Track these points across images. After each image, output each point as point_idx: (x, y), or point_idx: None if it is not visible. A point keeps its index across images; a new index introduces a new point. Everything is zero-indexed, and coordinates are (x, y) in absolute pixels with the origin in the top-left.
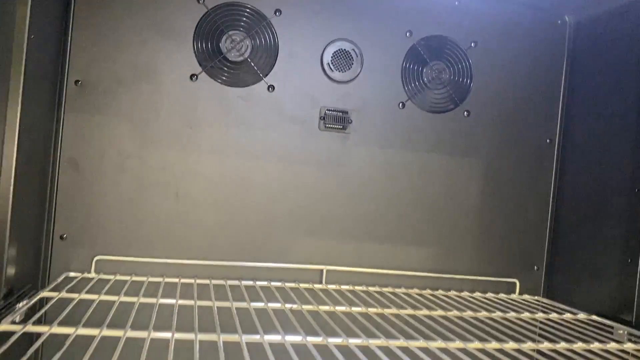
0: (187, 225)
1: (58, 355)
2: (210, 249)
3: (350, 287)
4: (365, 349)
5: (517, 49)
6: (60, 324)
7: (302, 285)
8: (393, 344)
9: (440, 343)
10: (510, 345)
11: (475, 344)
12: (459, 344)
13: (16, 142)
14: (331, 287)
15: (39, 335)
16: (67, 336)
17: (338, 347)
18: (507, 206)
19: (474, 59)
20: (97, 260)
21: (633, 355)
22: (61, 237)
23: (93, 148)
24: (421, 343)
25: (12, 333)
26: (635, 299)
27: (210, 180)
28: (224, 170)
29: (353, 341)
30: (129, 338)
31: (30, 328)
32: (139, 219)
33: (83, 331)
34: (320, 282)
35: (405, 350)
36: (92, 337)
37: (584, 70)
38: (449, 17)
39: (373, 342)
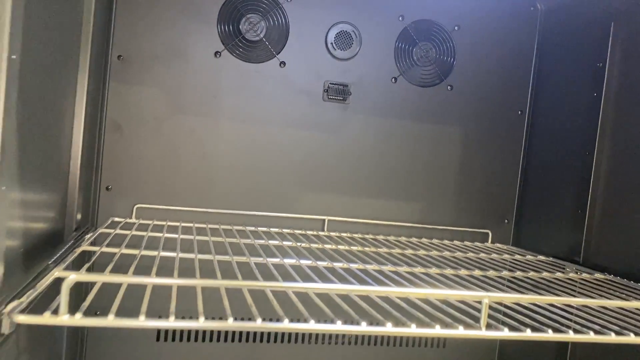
0: (211, 180)
1: (133, 266)
2: (231, 200)
3: (349, 235)
4: (363, 271)
5: (495, 31)
6: (127, 247)
7: (309, 232)
8: (385, 268)
9: (421, 269)
10: (478, 272)
11: (450, 271)
12: (436, 270)
13: (84, 109)
14: (333, 234)
15: (113, 254)
16: (132, 257)
17: (342, 269)
18: (483, 168)
19: (457, 40)
20: (137, 208)
21: (572, 280)
22: (107, 188)
23: (133, 113)
24: (406, 269)
25: (92, 253)
26: (583, 243)
27: (230, 142)
28: (242, 134)
29: (354, 265)
30: (182, 258)
31: (105, 249)
32: (172, 173)
33: (145, 252)
34: (323, 230)
35: (395, 272)
36: (153, 257)
37: (552, 51)
38: (436, 3)
39: (369, 267)
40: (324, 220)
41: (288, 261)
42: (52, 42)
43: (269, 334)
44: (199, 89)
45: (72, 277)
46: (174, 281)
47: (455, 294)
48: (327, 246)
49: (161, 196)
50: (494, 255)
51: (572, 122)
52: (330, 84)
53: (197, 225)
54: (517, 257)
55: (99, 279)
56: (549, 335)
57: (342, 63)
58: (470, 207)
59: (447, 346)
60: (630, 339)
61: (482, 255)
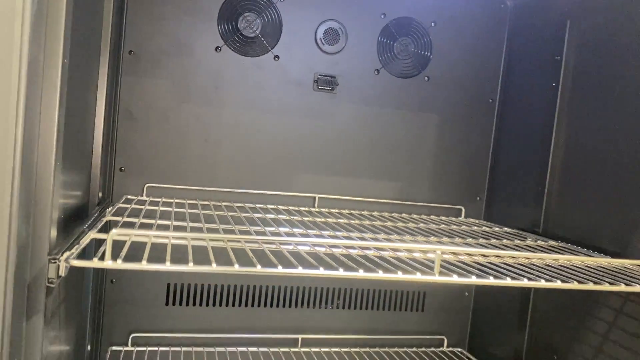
0: (214, 161)
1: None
2: (231, 180)
3: (337, 210)
4: (347, 237)
5: (468, 27)
6: (144, 218)
7: (301, 208)
8: (367, 236)
9: (397, 237)
10: (446, 239)
11: (422, 238)
12: (410, 237)
13: (104, 100)
14: (323, 209)
15: (134, 223)
16: (150, 226)
17: (329, 236)
18: (457, 150)
19: (433, 35)
20: (147, 187)
21: (529, 246)
22: (120, 169)
23: (143, 102)
24: (384, 236)
25: (117, 222)
26: (542, 216)
27: (231, 127)
28: (241, 120)
29: (339, 233)
30: (192, 227)
31: (127, 219)
32: (178, 156)
33: (161, 222)
34: (314, 206)
35: (374, 239)
36: (168, 226)
37: (519, 45)
38: (415, 1)
39: (352, 234)
40: (314, 197)
41: (283, 229)
42: (84, 43)
43: (265, 299)
44: (202, 81)
45: (114, 232)
46: (189, 234)
47: (413, 246)
48: (317, 219)
49: (169, 176)
50: (464, 227)
51: (535, 109)
52: (319, 75)
53: (201, 202)
54: (485, 228)
55: (131, 232)
56: (490, 280)
57: (330, 57)
58: (445, 186)
59: (426, 310)
60: (544, 284)
61: (453, 227)
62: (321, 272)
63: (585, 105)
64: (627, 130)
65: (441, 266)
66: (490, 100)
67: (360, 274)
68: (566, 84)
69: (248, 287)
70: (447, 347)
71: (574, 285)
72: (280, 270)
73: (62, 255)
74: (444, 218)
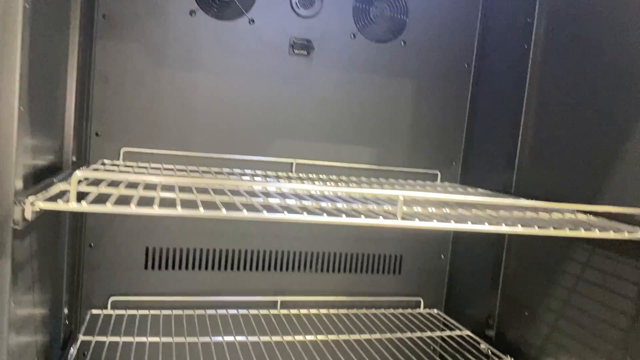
0: (190, 127)
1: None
2: (208, 145)
3: (314, 175)
4: (321, 192)
5: None
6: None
7: (279, 172)
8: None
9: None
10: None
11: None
12: (378, 186)
13: (75, 63)
14: (301, 175)
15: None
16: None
17: (305, 193)
18: (433, 115)
19: (409, 0)
20: (124, 152)
21: (498, 206)
22: (96, 134)
23: (118, 67)
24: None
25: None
26: (514, 177)
27: (207, 92)
28: (217, 85)
29: (311, 188)
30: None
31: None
32: (155, 121)
33: (133, 177)
34: (291, 171)
35: (348, 195)
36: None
37: (494, 9)
38: None
39: (326, 189)
40: (292, 163)
41: (258, 188)
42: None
43: (244, 262)
44: (177, 45)
45: (79, 173)
46: (160, 178)
47: (379, 192)
48: (294, 182)
49: (146, 141)
50: (438, 189)
51: (508, 73)
52: (295, 39)
53: (178, 167)
54: (459, 189)
55: (98, 175)
56: (451, 225)
57: (305, 21)
58: (421, 151)
59: (403, 273)
60: (507, 229)
61: (427, 189)
62: (286, 216)
63: (556, 68)
64: (595, 93)
65: (408, 217)
66: (466, 65)
67: (324, 218)
68: (537, 46)
69: (227, 250)
70: (424, 308)
71: (536, 231)
72: (265, 215)
73: (27, 198)
74: (421, 182)
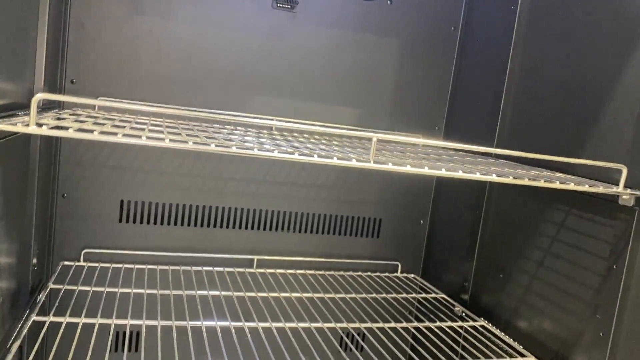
0: (167, 79)
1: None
2: (184, 99)
3: (296, 135)
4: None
5: None
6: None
7: (262, 130)
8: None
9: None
10: (397, 154)
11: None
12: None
13: (48, 7)
14: (284, 133)
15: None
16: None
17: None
18: (417, 79)
19: None
20: (99, 99)
21: (475, 154)
22: (72, 82)
23: (95, 13)
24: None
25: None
26: (495, 141)
27: (186, 44)
28: (196, 37)
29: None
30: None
31: (67, 116)
32: (131, 71)
33: (106, 120)
34: (271, 130)
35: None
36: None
37: None
38: None
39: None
40: (272, 119)
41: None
42: None
43: (221, 219)
44: None
45: (39, 95)
46: (132, 106)
47: (352, 133)
48: (275, 136)
49: (122, 91)
50: (421, 147)
51: (494, 35)
52: None
53: (153, 120)
54: (440, 151)
55: (63, 99)
56: (425, 170)
57: None
58: (404, 114)
59: (381, 236)
60: (496, 179)
61: (409, 148)
62: (255, 152)
63: (542, 28)
64: (579, 54)
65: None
66: (453, 28)
67: (296, 157)
68: (524, 5)
69: (204, 207)
70: (401, 272)
71: (515, 181)
72: (256, 152)
73: None
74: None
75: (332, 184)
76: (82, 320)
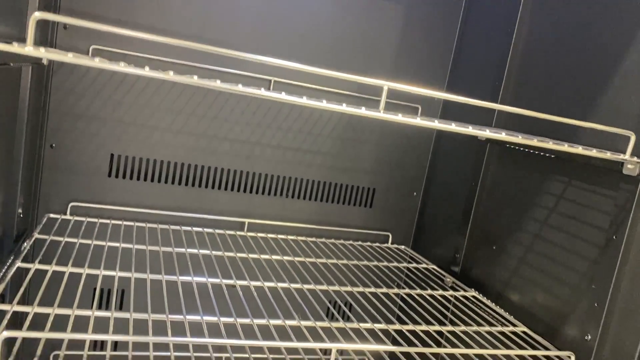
0: (164, 33)
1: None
2: (180, 53)
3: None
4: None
5: None
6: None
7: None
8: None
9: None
10: None
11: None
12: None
13: None
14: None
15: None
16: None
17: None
18: (418, 49)
19: None
20: (92, 49)
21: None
22: (64, 27)
23: None
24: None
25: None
26: (500, 93)
27: (185, 2)
28: None
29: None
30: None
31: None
32: (127, 19)
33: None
34: (269, 89)
35: None
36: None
37: None
38: None
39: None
40: (270, 80)
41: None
42: None
43: (213, 180)
44: None
45: (37, 14)
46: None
47: (361, 79)
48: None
49: (116, 40)
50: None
51: (499, 7)
52: None
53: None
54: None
55: (62, 19)
56: (434, 124)
57: None
58: (404, 84)
59: (374, 207)
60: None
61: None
62: (262, 92)
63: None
64: (587, 22)
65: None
66: None
67: (304, 100)
68: None
69: (196, 166)
70: (392, 243)
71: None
72: (248, 89)
73: None
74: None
75: (328, 151)
76: (69, 269)
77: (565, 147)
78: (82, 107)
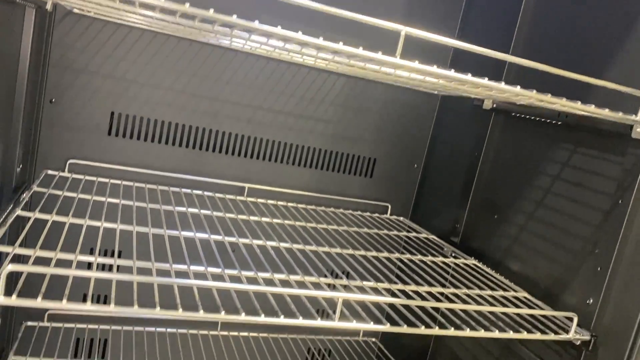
0: None
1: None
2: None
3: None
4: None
5: None
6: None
7: None
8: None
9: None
10: None
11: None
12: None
13: None
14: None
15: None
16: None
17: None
18: (424, 20)
19: None
20: None
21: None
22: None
23: None
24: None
25: None
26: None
27: None
28: None
29: None
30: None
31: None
32: None
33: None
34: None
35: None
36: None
37: None
38: None
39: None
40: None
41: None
42: None
43: (214, 143)
44: None
45: None
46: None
47: (375, 22)
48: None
49: None
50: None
51: None
52: None
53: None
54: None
55: None
56: (451, 73)
57: None
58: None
59: (374, 177)
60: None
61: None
62: (279, 29)
63: None
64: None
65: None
66: None
67: (320, 41)
68: None
69: (197, 128)
70: (391, 214)
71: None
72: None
73: None
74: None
75: (330, 119)
76: (70, 219)
77: (578, 105)
78: (83, 62)
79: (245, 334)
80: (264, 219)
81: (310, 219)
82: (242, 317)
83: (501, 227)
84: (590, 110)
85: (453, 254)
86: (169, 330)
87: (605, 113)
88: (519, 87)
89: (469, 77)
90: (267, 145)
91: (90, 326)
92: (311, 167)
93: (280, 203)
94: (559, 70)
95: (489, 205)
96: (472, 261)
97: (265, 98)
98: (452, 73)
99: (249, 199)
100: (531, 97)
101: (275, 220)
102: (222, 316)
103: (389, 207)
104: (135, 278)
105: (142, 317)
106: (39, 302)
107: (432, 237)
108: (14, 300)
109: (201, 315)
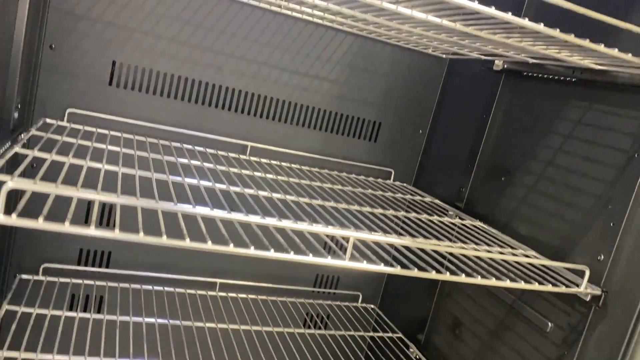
0: None
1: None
2: None
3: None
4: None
5: None
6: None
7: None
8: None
9: None
10: None
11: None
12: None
13: None
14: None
15: None
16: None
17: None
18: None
19: None
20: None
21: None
22: None
23: None
24: None
25: None
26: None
27: None
28: None
29: None
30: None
31: None
32: None
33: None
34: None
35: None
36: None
37: None
38: None
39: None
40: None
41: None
42: None
43: (217, 99)
44: None
45: None
46: None
47: None
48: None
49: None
50: None
51: None
52: None
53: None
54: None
55: None
56: (458, 26)
57: None
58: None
59: (378, 142)
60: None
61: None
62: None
63: None
64: None
65: None
66: None
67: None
68: None
69: (200, 82)
70: (394, 180)
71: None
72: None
73: None
74: None
75: (336, 79)
76: (70, 160)
77: (602, 48)
78: (85, 6)
79: (244, 295)
80: (269, 176)
81: (315, 179)
82: (252, 251)
83: (508, 189)
84: (614, 54)
85: (457, 218)
86: (166, 289)
87: (629, 58)
88: (542, 24)
89: (492, 9)
90: (272, 104)
91: (87, 281)
92: (315, 128)
93: (284, 164)
94: (585, 9)
95: (495, 168)
96: (478, 223)
97: (271, 54)
98: (459, 25)
99: (252, 158)
100: (555, 36)
101: (280, 178)
102: (232, 248)
103: (392, 172)
104: (138, 203)
105: (139, 274)
106: (40, 223)
107: (436, 201)
108: (14, 220)
109: (209, 246)
